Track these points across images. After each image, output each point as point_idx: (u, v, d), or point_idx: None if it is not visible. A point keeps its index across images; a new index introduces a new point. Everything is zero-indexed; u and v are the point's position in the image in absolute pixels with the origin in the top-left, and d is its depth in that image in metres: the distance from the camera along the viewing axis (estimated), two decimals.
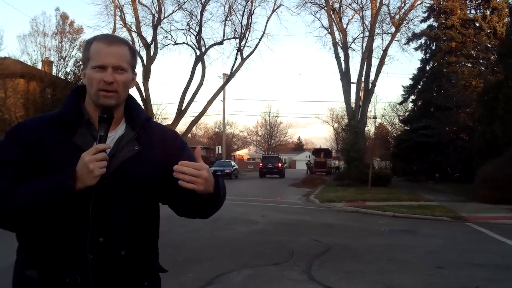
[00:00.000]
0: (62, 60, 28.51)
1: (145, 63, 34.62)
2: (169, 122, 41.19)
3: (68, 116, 1.68)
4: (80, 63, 29.00)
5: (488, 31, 31.74)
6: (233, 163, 42.68)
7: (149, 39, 35.08)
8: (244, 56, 37.01)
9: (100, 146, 1.57)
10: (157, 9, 35.07)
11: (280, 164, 43.62)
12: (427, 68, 35.57)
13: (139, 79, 34.31)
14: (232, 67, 37.14)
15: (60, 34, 28.29)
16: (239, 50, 36.85)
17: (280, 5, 37.69)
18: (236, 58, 37.10)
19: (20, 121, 1.74)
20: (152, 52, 34.94)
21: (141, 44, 34.96)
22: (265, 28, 41.64)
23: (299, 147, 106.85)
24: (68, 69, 28.76)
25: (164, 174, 1.73)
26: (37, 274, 1.61)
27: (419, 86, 36.45)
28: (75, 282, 1.59)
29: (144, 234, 1.74)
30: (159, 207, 1.85)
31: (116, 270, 1.64)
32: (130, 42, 1.83)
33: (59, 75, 28.55)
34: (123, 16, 34.74)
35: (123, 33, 35.09)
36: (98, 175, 1.55)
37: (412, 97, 38.35)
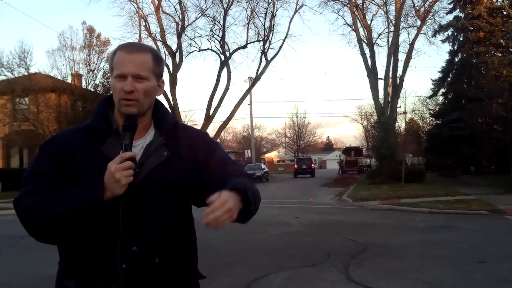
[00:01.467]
0: (91, 72, 29.07)
1: (171, 71, 34.96)
2: (197, 128, 41.48)
3: (97, 126, 1.70)
4: (109, 74, 29.57)
5: None
6: (263, 166, 42.84)
7: (174, 47, 35.46)
8: (269, 59, 36.98)
9: (126, 154, 1.56)
10: (180, 17, 35.43)
11: (313, 165, 48.76)
12: (456, 59, 34.92)
13: (166, 87, 34.70)
14: (257, 70, 37.16)
15: (88, 47, 28.83)
16: (263, 52, 36.86)
17: (302, 5, 37.47)
18: (260, 61, 37.11)
19: (53, 135, 1.75)
20: (177, 60, 35.27)
21: (167, 53, 35.32)
22: (288, 29, 41.28)
23: (328, 146, 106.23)
24: (97, 81, 29.34)
25: (194, 178, 1.73)
26: (75, 284, 1.63)
27: (449, 79, 35.82)
28: None
29: (179, 239, 1.73)
30: (191, 210, 1.84)
31: (151, 277, 1.64)
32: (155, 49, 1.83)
33: (89, 88, 29.11)
34: (147, 26, 35.21)
35: (148, 43, 35.37)
36: (125, 184, 1.55)
37: (442, 90, 37.70)
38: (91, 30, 29.07)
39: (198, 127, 40.01)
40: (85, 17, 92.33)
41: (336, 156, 74.91)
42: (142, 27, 34.82)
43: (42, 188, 1.60)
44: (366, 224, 11.54)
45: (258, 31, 37.15)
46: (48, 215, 1.56)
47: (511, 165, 18.18)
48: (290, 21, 38.55)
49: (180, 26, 35.23)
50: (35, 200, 1.58)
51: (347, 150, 56.04)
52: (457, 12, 34.73)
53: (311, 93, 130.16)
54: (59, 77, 28.71)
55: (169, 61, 35.21)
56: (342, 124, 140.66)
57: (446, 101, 37.22)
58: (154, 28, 35.77)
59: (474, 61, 32.00)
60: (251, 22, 36.79)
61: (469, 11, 32.82)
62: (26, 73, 26.98)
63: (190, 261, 1.79)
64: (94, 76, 29.19)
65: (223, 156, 1.83)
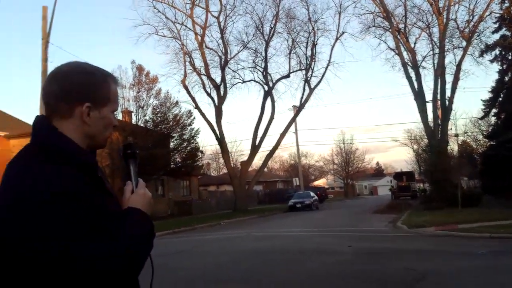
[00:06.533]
0: (140, 109, 29.99)
1: (216, 104, 35.62)
2: (244, 158, 41.85)
3: (93, 161, 1.49)
4: (158, 110, 30.40)
5: None
6: (312, 193, 41.70)
7: (218, 80, 36.28)
8: (312, 87, 37.17)
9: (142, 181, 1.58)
10: (223, 51, 36.29)
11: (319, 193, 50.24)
12: (506, 79, 33.97)
13: (213, 119, 35.31)
14: (301, 98, 37.40)
15: (137, 85, 29.83)
16: (306, 81, 37.08)
17: (343, 32, 37.61)
18: (304, 89, 37.40)
19: (49, 177, 1.32)
20: (222, 92, 35.95)
21: (211, 86, 36.13)
22: (330, 57, 41.43)
23: (379, 172, 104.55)
24: (147, 117, 30.21)
25: None
26: None
27: (500, 99, 34.84)
28: None
29: None
30: None
31: None
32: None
33: (139, 123, 29.98)
34: (192, 61, 36.24)
35: (193, 77, 36.46)
36: None
37: (494, 110, 36.69)
38: (140, 68, 30.14)
39: (245, 157, 40.43)
40: (132, 56, 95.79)
41: (387, 182, 73.57)
42: (187, 63, 35.86)
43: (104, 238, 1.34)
44: (423, 252, 11.16)
45: (300, 60, 37.56)
46: (141, 254, 1.41)
47: None
48: (332, 49, 38.72)
49: (223, 60, 36.04)
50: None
51: (399, 175, 54.91)
52: (503, 31, 33.88)
53: (357, 118, 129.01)
54: None
55: (214, 94, 35.96)
56: (393, 149, 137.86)
57: (499, 121, 36.13)
58: (198, 63, 36.76)
59: None
60: (292, 52, 37.29)
61: None
62: None
63: None
64: (144, 112, 30.12)
65: None
